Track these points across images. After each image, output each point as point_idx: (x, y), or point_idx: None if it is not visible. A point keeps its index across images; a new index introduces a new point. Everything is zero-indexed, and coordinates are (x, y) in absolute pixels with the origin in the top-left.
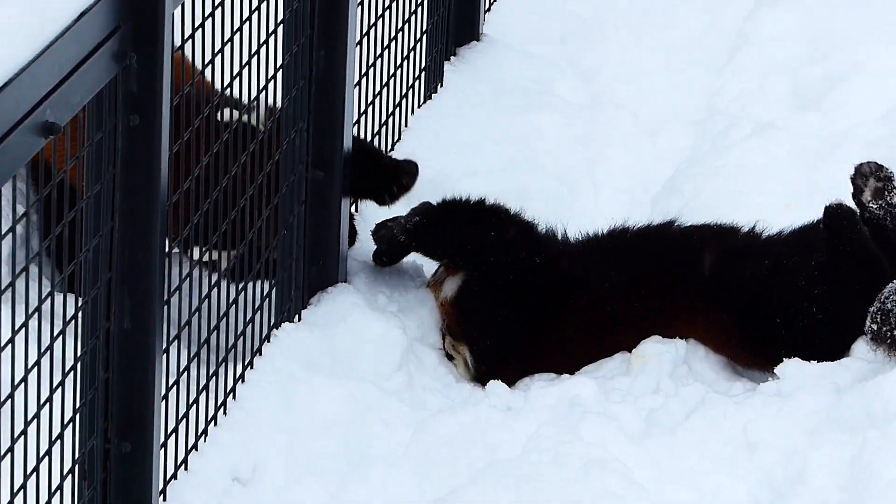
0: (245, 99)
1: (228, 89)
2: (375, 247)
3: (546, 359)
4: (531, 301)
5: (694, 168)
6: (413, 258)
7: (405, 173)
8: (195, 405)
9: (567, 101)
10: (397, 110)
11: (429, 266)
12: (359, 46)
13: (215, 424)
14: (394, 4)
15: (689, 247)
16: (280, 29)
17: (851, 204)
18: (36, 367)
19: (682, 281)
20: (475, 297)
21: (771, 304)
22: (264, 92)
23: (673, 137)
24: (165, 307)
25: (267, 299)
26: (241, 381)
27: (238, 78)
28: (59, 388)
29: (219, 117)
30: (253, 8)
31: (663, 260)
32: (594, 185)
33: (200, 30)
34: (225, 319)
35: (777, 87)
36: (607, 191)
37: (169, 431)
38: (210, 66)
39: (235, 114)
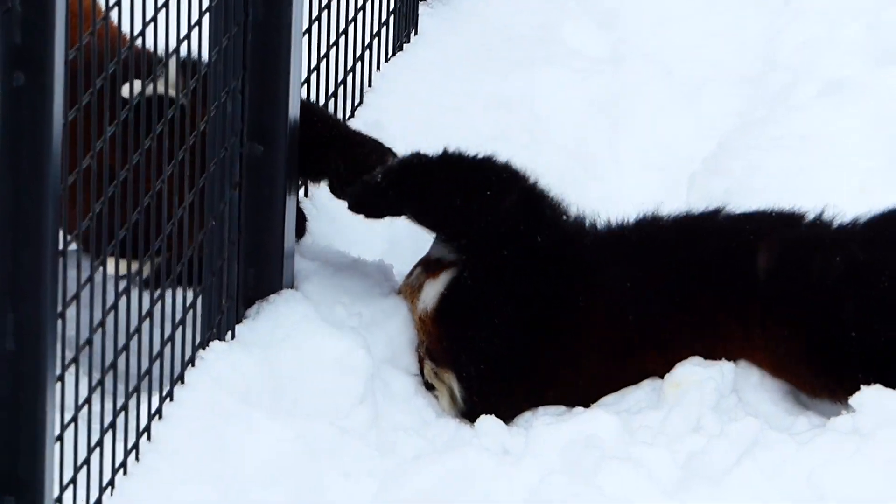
0: (157, 59)
1: (139, 39)
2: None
3: (554, 385)
4: (532, 301)
5: (744, 139)
6: (380, 256)
7: (373, 151)
8: (98, 448)
9: (580, 54)
10: (358, 65)
11: (400, 268)
12: None
13: (125, 473)
14: None
15: (739, 241)
16: None
17: None
18: None
19: (730, 285)
20: (462, 304)
21: (844, 311)
22: (177, 48)
23: (717, 100)
24: (59, 322)
25: (190, 311)
26: (157, 417)
27: (152, 24)
28: None
29: (124, 93)
30: None
31: (706, 258)
32: (616, 162)
33: None
34: (136, 337)
35: (851, 34)
36: (633, 169)
37: (65, 483)
38: (116, 7)
39: (139, 85)
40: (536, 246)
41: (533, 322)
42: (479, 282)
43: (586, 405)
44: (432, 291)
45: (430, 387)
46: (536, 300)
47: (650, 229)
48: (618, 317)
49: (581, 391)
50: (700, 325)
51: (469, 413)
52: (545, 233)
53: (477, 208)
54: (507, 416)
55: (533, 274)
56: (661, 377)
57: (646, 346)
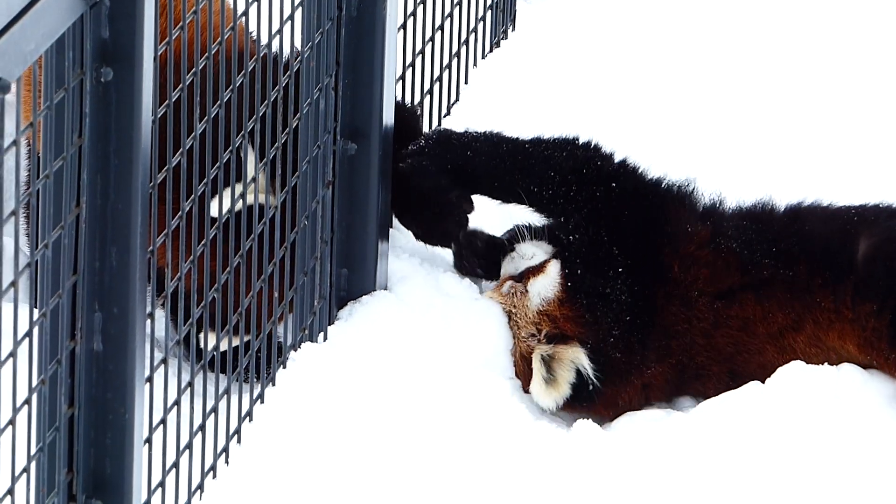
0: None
1: (231, 33)
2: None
3: (673, 331)
4: (648, 242)
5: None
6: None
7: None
8: (187, 451)
9: (688, 50)
10: (454, 61)
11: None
12: None
13: (214, 476)
14: None
15: (845, 223)
16: None
17: None
18: None
19: (830, 257)
20: (588, 273)
21: None
22: (260, 156)
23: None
24: (148, 321)
25: (283, 311)
26: (247, 419)
27: (244, 18)
28: (9, 428)
29: (213, 212)
30: None
31: (811, 231)
32: (733, 162)
33: None
34: (228, 337)
35: None
36: (744, 167)
37: (153, 486)
38: (207, 2)
39: (228, 200)
40: (651, 192)
41: (651, 261)
42: (596, 242)
43: (702, 362)
44: (545, 282)
45: (520, 374)
46: (653, 240)
47: (762, 204)
48: (724, 255)
49: (695, 339)
50: (796, 284)
51: (588, 401)
52: (654, 186)
53: (583, 174)
54: (627, 398)
55: (651, 216)
56: (757, 330)
57: (746, 289)
